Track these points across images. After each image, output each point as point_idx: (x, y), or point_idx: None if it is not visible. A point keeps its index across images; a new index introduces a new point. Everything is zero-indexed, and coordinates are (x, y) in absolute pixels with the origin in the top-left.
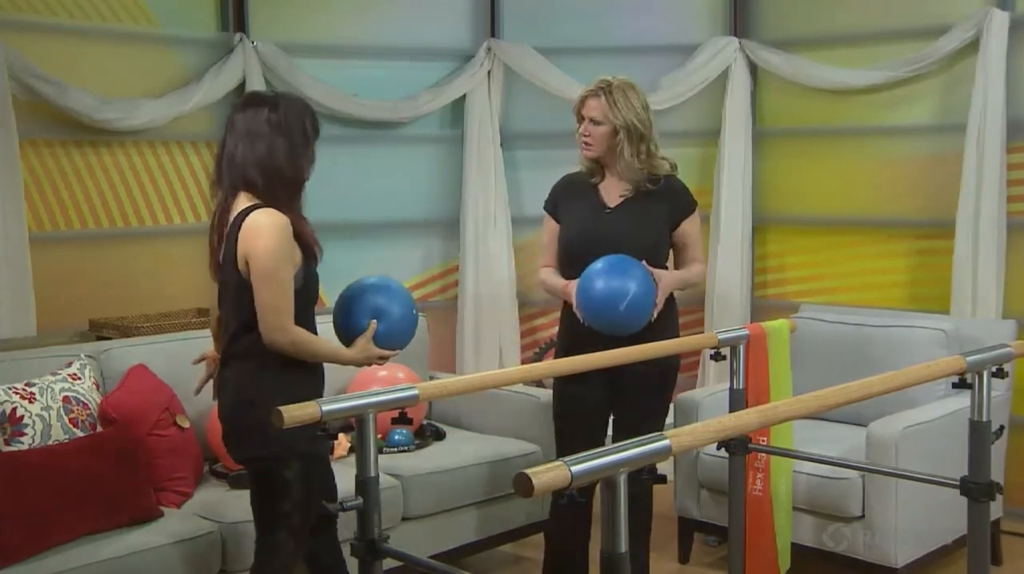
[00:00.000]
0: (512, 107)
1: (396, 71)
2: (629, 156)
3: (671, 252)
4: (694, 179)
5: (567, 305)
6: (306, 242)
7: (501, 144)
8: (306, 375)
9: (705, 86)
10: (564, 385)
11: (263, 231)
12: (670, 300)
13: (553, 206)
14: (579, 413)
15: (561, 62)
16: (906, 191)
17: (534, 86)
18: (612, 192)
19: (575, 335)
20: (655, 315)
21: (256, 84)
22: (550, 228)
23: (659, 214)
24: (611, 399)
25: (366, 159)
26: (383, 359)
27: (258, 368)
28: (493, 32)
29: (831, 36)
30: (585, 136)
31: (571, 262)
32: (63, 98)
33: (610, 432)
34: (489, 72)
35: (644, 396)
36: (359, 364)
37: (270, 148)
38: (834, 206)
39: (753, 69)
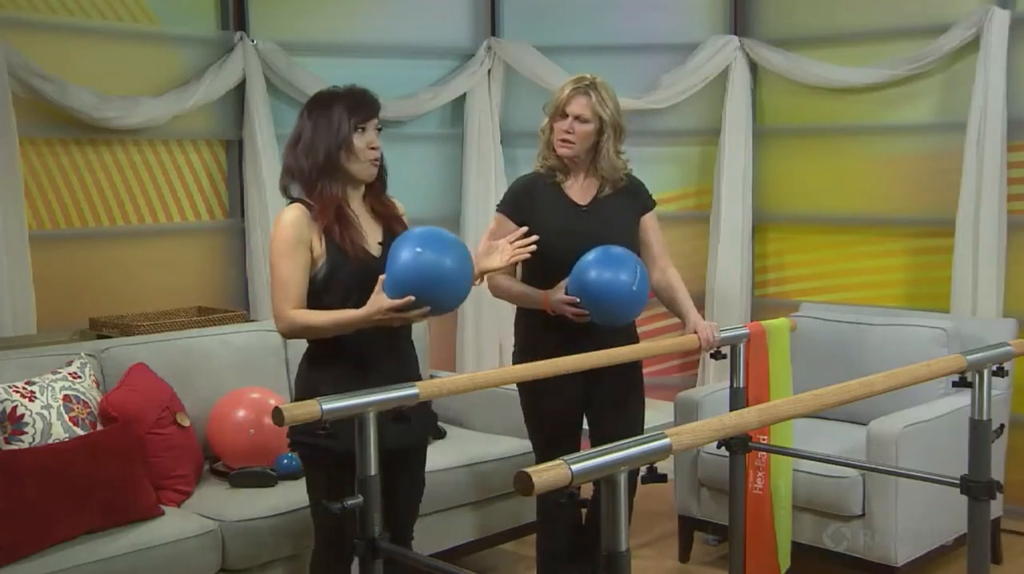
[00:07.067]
0: (512, 105)
1: (396, 69)
2: (612, 154)
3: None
4: (694, 178)
5: (524, 312)
6: (335, 239)
7: (501, 142)
8: (334, 370)
9: (705, 85)
10: (533, 394)
11: (275, 225)
12: None
13: (514, 208)
14: (552, 421)
15: (561, 60)
16: (906, 190)
17: (534, 84)
18: (580, 192)
19: (540, 340)
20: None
21: (256, 83)
22: (505, 231)
23: (630, 212)
24: (583, 407)
25: None
26: (401, 312)
27: (306, 352)
28: (493, 30)
29: (831, 34)
30: (567, 134)
31: (549, 263)
32: (63, 96)
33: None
34: (489, 70)
35: (619, 403)
36: (378, 322)
37: (291, 147)
38: (834, 205)
39: (753, 67)
